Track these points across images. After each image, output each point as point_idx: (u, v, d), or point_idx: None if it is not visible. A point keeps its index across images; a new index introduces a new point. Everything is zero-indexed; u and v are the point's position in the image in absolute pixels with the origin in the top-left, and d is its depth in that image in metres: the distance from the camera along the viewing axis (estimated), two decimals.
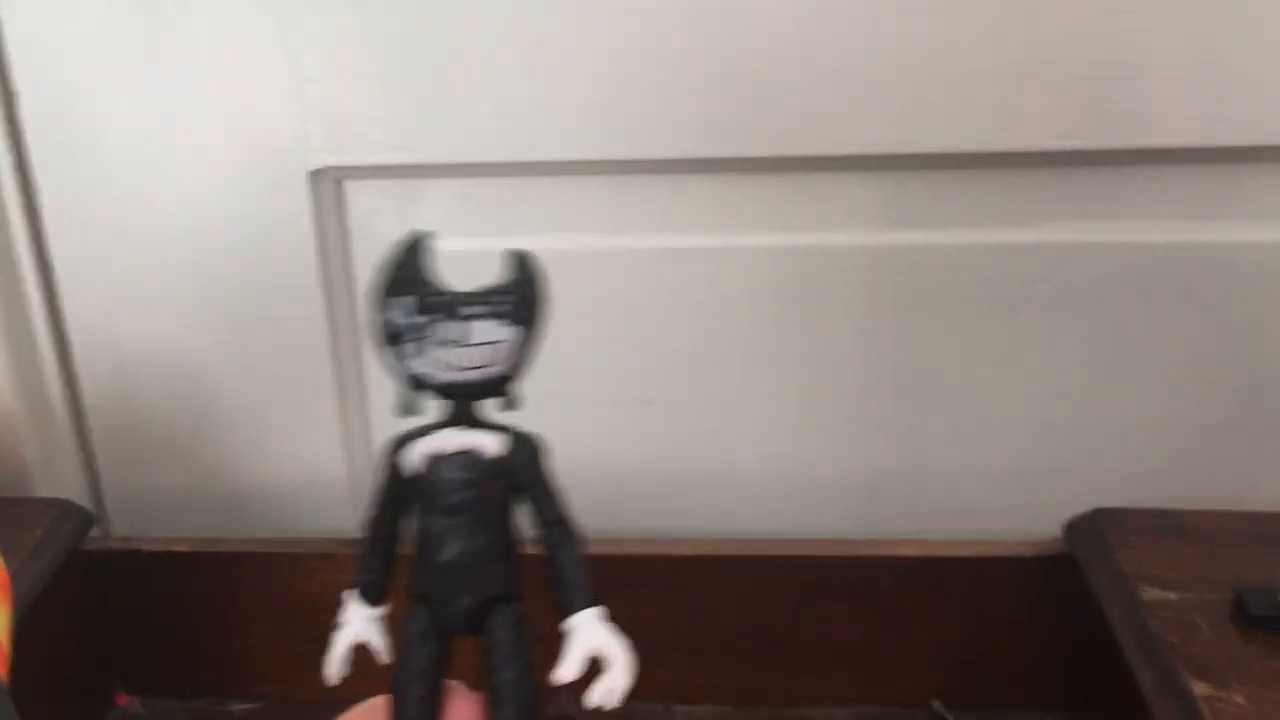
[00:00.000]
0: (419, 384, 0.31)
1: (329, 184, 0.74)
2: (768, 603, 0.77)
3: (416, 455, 0.32)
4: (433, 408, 0.32)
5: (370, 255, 0.76)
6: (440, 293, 0.32)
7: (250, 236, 0.74)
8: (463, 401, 0.32)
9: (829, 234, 0.75)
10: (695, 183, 0.75)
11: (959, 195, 0.75)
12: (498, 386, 0.32)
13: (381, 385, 0.80)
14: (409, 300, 0.31)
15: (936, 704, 0.78)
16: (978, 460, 0.80)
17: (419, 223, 0.75)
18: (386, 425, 0.80)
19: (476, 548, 0.31)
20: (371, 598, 0.34)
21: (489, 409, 0.33)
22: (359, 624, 0.34)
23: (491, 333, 0.31)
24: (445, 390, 0.32)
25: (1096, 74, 0.69)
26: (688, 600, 0.77)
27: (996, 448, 0.80)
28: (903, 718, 0.78)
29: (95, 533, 0.76)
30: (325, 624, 0.76)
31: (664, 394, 0.80)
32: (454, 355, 0.31)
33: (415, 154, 0.73)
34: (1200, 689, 0.60)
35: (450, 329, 0.31)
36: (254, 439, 0.80)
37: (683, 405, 0.80)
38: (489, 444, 0.32)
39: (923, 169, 0.74)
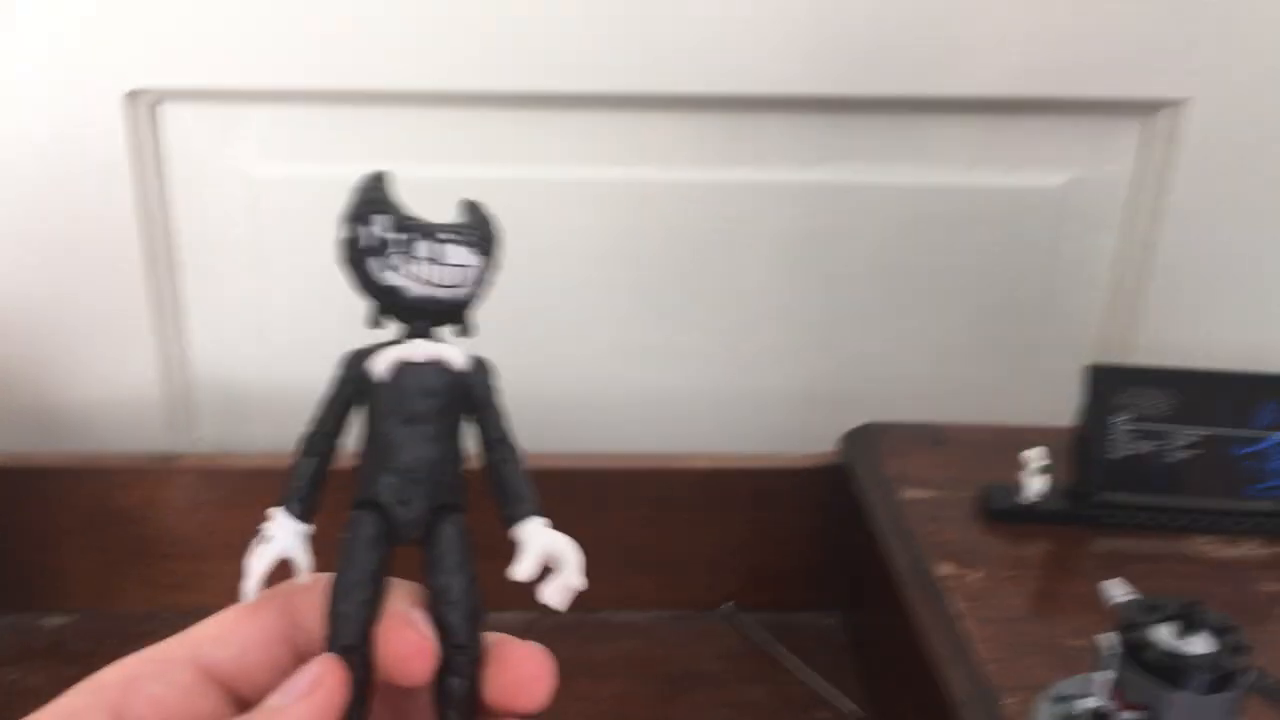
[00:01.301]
0: (391, 297, 0.33)
1: (144, 107, 0.76)
2: (568, 513, 0.81)
3: (383, 362, 0.33)
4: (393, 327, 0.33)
5: (186, 179, 0.78)
6: (415, 217, 0.33)
7: (63, 158, 0.75)
8: (425, 322, 0.33)
9: (643, 169, 0.81)
10: (529, 116, 0.79)
11: (756, 135, 0.81)
12: (461, 311, 0.34)
13: (199, 308, 0.82)
14: (387, 218, 0.33)
15: (729, 606, 0.84)
16: (763, 384, 0.87)
17: (236, 147, 0.78)
18: (203, 347, 0.83)
19: (434, 455, 0.33)
20: (301, 511, 0.34)
21: (445, 333, 0.34)
22: (286, 538, 0.34)
23: (464, 256, 0.33)
24: (415, 307, 0.33)
25: (888, 24, 0.76)
26: (491, 511, 0.81)
27: (782, 371, 0.86)
28: (697, 620, 0.84)
29: None
30: (136, 537, 0.79)
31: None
32: (431, 272, 0.33)
33: (234, 78, 0.75)
34: (944, 569, 0.67)
35: (428, 248, 0.33)
36: (67, 359, 0.81)
37: (519, 332, 0.84)
38: (454, 358, 0.33)
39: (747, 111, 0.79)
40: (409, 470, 0.33)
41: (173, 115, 0.77)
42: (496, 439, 0.34)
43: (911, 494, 0.74)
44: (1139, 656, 0.49)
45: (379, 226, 0.33)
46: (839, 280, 0.85)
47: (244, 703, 0.32)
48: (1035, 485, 0.71)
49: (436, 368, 0.33)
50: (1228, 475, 0.70)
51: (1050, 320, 0.86)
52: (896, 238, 0.84)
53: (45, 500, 0.78)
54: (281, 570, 0.33)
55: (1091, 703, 0.50)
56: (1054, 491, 0.71)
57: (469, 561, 0.33)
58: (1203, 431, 0.70)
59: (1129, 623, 0.50)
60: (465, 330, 0.34)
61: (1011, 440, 0.78)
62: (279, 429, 0.80)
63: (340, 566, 0.33)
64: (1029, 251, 0.84)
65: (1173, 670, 0.48)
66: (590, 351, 0.86)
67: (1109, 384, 0.70)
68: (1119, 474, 0.70)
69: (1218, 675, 0.48)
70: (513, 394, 0.88)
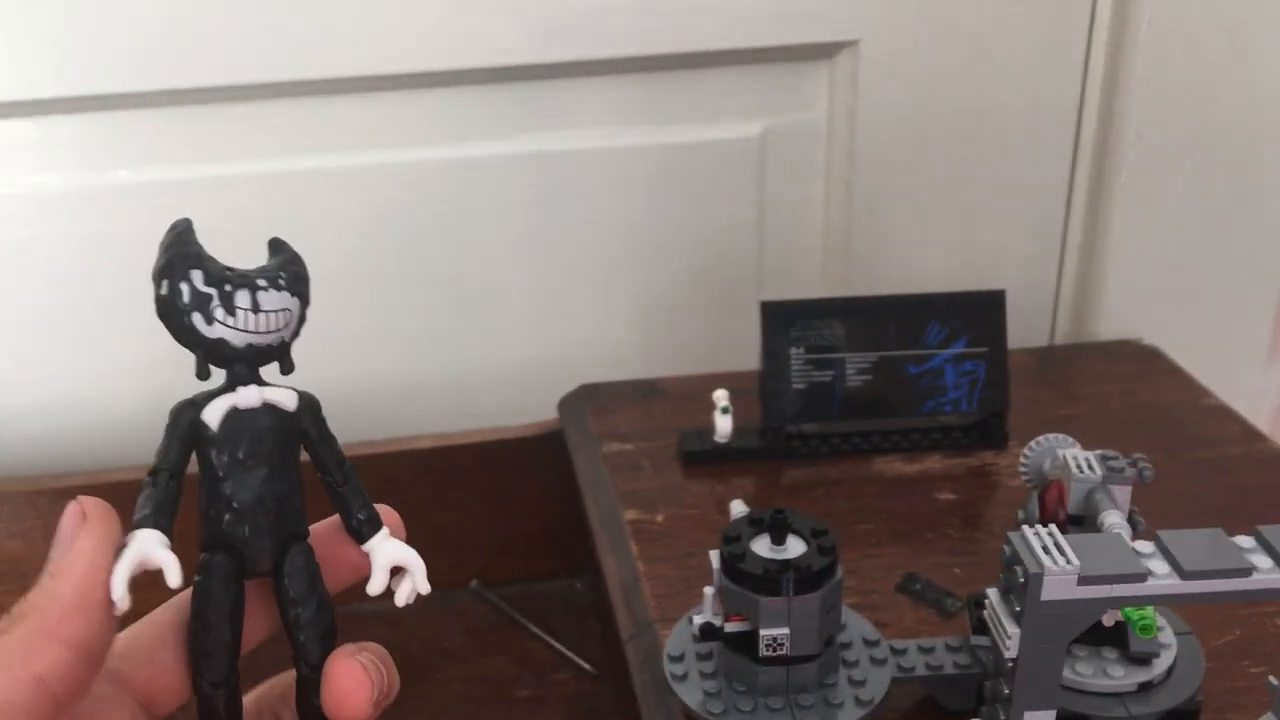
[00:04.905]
0: (218, 349, 0.35)
1: None
2: None
3: (216, 411, 0.35)
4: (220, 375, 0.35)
5: None
6: (228, 268, 0.35)
7: None
8: (251, 366, 0.35)
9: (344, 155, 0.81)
10: (231, 111, 0.79)
11: (453, 112, 0.82)
12: (281, 351, 0.36)
13: None
14: (202, 273, 0.34)
15: (475, 584, 0.85)
16: (492, 358, 0.87)
17: None
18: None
19: (275, 492, 0.35)
20: (154, 525, 0.35)
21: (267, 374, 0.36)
22: (146, 543, 0.34)
23: (281, 301, 0.35)
24: (239, 355, 0.35)
25: None
26: None
27: (509, 344, 0.87)
28: (444, 601, 0.84)
29: None
30: None
31: None
32: (252, 320, 0.35)
33: None
34: (630, 515, 0.68)
35: (247, 298, 0.34)
36: None
37: None
38: (284, 399, 0.35)
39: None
40: (253, 509, 0.35)
41: None
42: (335, 464, 0.36)
43: (614, 447, 0.75)
44: (735, 568, 0.50)
45: (198, 281, 0.34)
46: (555, 250, 0.86)
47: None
48: (723, 425, 0.72)
49: (269, 411, 0.35)
50: (905, 395, 0.72)
51: (767, 269, 0.88)
52: (605, 201, 0.85)
53: None
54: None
55: (699, 618, 0.52)
56: (747, 429, 0.73)
57: (317, 586, 0.36)
58: (876, 355, 0.72)
59: (725, 537, 0.51)
60: (286, 368, 0.37)
61: (716, 386, 0.80)
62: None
63: (196, 608, 0.35)
64: (736, 203, 0.86)
65: (761, 578, 0.49)
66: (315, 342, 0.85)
67: (782, 318, 0.72)
68: (802, 405, 0.72)
69: (803, 577, 0.49)
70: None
